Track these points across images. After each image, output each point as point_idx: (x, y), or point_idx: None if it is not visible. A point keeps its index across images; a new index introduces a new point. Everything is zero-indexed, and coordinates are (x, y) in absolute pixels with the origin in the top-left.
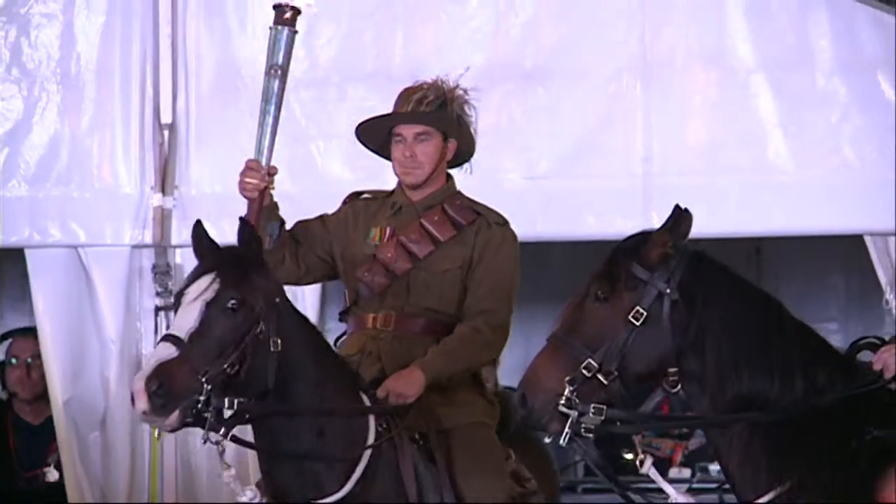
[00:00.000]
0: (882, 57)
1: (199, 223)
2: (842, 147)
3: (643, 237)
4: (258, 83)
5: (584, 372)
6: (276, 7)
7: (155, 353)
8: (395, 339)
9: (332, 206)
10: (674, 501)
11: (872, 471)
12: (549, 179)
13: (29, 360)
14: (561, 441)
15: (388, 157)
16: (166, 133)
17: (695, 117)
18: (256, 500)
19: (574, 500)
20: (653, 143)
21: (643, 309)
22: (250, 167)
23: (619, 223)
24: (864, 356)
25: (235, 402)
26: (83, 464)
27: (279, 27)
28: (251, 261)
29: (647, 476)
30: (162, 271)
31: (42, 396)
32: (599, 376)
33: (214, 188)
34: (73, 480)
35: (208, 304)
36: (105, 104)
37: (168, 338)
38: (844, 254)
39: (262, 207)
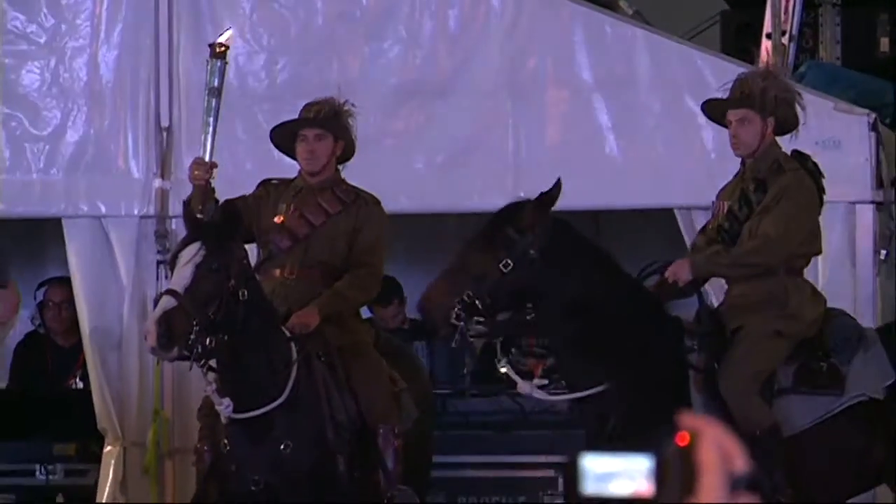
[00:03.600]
0: (686, 79)
1: (186, 203)
2: (656, 145)
3: (518, 206)
4: (232, 96)
5: (466, 298)
6: (210, 45)
7: (161, 303)
8: (298, 284)
9: None
10: (528, 392)
11: (678, 379)
12: (445, 167)
13: (60, 303)
14: (453, 343)
15: (291, 155)
16: (165, 134)
17: (550, 123)
18: (230, 409)
19: (463, 403)
20: (520, 142)
21: (510, 261)
22: (198, 163)
23: (496, 199)
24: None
25: (214, 339)
26: (104, 376)
27: (214, 60)
28: (227, 232)
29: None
30: (161, 235)
31: (69, 329)
32: (477, 302)
33: None
34: (97, 388)
35: (197, 266)
36: (120, 113)
37: (169, 292)
38: (661, 223)
39: (206, 192)
